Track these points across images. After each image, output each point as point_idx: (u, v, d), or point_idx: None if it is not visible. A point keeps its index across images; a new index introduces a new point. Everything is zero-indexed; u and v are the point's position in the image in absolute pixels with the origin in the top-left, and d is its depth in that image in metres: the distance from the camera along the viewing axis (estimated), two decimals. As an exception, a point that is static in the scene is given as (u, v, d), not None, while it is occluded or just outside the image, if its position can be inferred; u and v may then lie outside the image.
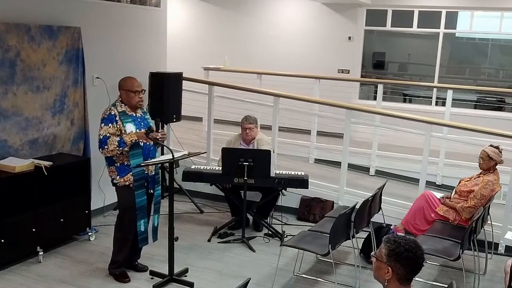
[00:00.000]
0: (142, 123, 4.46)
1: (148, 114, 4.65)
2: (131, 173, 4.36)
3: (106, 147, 4.29)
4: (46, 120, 5.19)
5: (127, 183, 4.39)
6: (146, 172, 4.45)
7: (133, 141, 4.29)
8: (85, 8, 5.60)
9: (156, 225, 4.64)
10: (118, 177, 4.41)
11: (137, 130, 4.37)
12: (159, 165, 4.58)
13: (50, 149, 5.29)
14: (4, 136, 4.81)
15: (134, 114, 4.45)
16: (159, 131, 4.52)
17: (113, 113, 4.35)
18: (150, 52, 6.63)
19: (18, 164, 4.67)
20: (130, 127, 4.35)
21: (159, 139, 4.42)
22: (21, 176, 4.62)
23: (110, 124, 4.31)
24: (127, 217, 4.45)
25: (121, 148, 4.28)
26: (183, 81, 6.67)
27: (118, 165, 4.40)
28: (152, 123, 4.61)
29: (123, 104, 4.43)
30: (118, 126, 4.31)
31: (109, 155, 4.34)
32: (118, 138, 4.27)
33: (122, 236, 4.53)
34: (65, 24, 5.27)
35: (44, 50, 5.05)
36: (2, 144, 4.80)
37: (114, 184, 4.48)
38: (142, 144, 4.38)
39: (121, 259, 4.57)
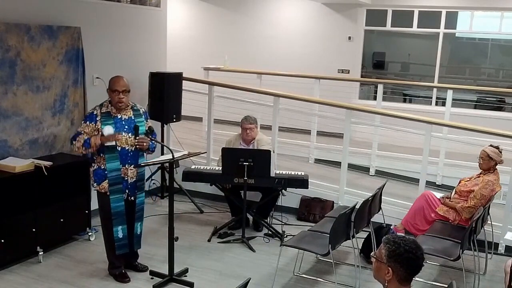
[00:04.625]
0: (126, 126, 4.33)
1: (143, 116, 4.48)
2: (106, 180, 4.32)
3: (74, 142, 4.30)
4: (46, 120, 5.19)
5: (102, 191, 4.36)
6: (126, 178, 4.38)
7: (97, 143, 4.22)
8: (85, 8, 5.61)
9: (139, 233, 4.61)
10: (95, 184, 4.40)
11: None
12: (147, 168, 4.54)
13: (50, 149, 5.30)
14: (4, 136, 4.81)
15: (119, 116, 4.34)
16: (137, 137, 4.32)
17: (95, 113, 4.33)
18: (150, 52, 6.63)
19: (18, 164, 4.67)
20: (107, 129, 4.26)
21: (136, 144, 4.31)
22: (21, 176, 4.62)
23: (88, 122, 4.30)
24: (107, 222, 4.43)
25: (85, 148, 4.25)
26: (183, 81, 6.68)
27: (96, 167, 4.37)
28: (146, 125, 4.45)
29: (109, 105, 4.37)
30: (96, 126, 4.28)
31: (75, 150, 4.33)
32: (86, 137, 4.25)
33: (107, 238, 4.51)
34: (65, 24, 5.27)
35: (44, 50, 5.05)
36: (2, 144, 4.81)
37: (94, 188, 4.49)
38: (119, 148, 4.30)
39: (115, 260, 4.55)
